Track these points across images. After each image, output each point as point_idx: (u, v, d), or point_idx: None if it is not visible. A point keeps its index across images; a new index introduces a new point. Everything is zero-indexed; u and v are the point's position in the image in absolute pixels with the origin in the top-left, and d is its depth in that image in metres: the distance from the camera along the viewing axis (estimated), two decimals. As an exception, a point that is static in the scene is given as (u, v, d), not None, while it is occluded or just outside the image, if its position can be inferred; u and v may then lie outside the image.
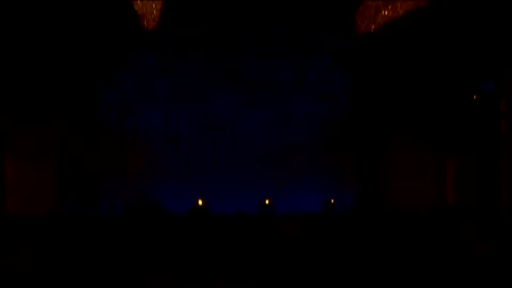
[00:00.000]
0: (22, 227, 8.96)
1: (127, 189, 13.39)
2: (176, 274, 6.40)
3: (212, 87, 13.74)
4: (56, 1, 10.63)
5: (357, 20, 11.36)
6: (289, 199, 13.09)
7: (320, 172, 13.80)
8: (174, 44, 13.22)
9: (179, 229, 9.10)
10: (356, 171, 13.83)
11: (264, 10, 11.36)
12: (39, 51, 12.13)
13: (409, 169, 13.10)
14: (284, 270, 6.90)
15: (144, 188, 12.62)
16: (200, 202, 12.16)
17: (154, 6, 10.91)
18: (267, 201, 12.61)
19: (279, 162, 13.74)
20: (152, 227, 8.86)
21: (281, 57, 13.65)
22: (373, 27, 11.25)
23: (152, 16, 11.03)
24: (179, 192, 13.04)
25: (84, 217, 11.11)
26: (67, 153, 12.89)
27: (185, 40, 13.03)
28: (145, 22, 11.10)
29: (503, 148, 12.00)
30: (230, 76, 13.75)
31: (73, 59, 12.62)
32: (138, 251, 7.52)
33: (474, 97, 12.74)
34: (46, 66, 12.43)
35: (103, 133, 13.41)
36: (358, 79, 13.78)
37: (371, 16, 11.17)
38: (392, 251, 7.59)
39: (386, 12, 11.05)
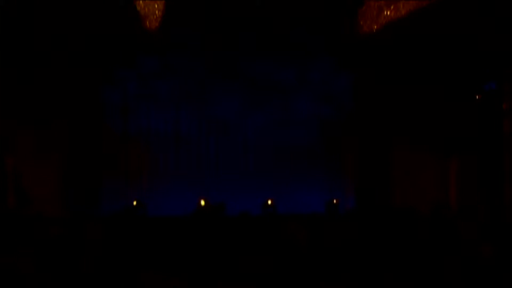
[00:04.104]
0: (23, 226, 8.97)
1: (129, 190, 13.39)
2: (177, 274, 6.41)
3: (214, 88, 13.74)
4: (58, 1, 10.64)
5: (359, 20, 11.36)
6: (291, 199, 13.09)
7: (322, 172, 13.79)
8: (176, 45, 13.23)
9: (181, 230, 9.10)
10: (358, 171, 13.82)
11: (265, 10, 11.36)
12: (41, 51, 12.14)
13: (411, 169, 13.09)
14: (286, 270, 6.90)
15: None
16: (202, 203, 12.14)
17: (156, 6, 10.94)
18: (269, 202, 12.60)
19: (281, 162, 13.73)
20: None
21: (282, 57, 13.64)
22: (375, 27, 11.25)
23: (155, 17, 11.06)
24: (181, 192, 13.06)
25: (85, 217, 11.13)
26: (69, 153, 12.90)
27: (187, 40, 13.04)
28: (147, 23, 11.13)
29: (505, 148, 11.99)
30: (232, 77, 13.75)
31: (75, 59, 12.63)
32: (138, 251, 7.53)
33: (477, 97, 12.72)
34: (48, 66, 12.44)
35: (105, 133, 13.42)
36: (360, 79, 13.77)
37: (373, 17, 11.17)
38: (394, 250, 7.59)
39: (388, 12, 11.05)
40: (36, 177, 12.48)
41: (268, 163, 13.70)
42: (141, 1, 10.90)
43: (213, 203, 11.57)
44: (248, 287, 6.38)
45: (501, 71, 12.10)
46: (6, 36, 11.29)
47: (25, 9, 10.62)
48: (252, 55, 13.56)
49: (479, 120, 12.68)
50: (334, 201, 12.94)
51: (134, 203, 12.56)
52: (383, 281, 6.66)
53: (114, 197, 13.15)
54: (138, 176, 13.54)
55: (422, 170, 13.11)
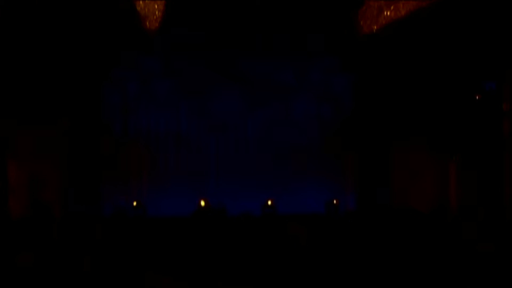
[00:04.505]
0: (24, 227, 8.98)
1: (129, 190, 13.38)
2: (178, 275, 6.41)
3: (215, 87, 13.76)
4: (58, 1, 10.64)
5: (360, 20, 11.36)
6: (291, 200, 13.10)
7: (322, 172, 13.79)
8: (177, 45, 13.24)
9: (181, 230, 9.11)
10: (359, 172, 13.82)
11: (265, 10, 11.36)
12: (41, 51, 12.14)
13: (411, 169, 13.09)
14: (286, 270, 6.90)
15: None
16: (202, 203, 12.15)
17: (156, 7, 10.94)
18: (269, 202, 12.60)
19: (281, 162, 13.74)
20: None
21: (282, 58, 13.65)
22: (375, 27, 11.26)
23: (155, 17, 11.06)
24: (181, 193, 13.07)
25: (85, 217, 11.15)
26: (69, 153, 12.89)
27: (187, 40, 13.04)
28: (147, 23, 11.13)
29: (505, 148, 12.00)
30: (232, 77, 13.77)
31: (76, 59, 12.62)
32: (138, 251, 7.54)
33: (477, 97, 12.72)
34: (49, 66, 12.44)
35: (105, 134, 13.42)
36: (360, 79, 13.78)
37: (373, 17, 11.18)
38: (394, 251, 7.59)
39: (388, 13, 11.06)
40: (36, 178, 12.49)
41: (268, 163, 13.71)
42: (141, 2, 10.89)
43: (214, 206, 11.60)
44: (248, 287, 6.38)
45: (501, 72, 12.11)
46: (6, 36, 11.29)
47: (25, 9, 10.61)
48: (252, 55, 13.58)
49: (479, 120, 12.68)
50: (334, 201, 12.93)
51: (134, 203, 12.56)
52: (384, 281, 6.66)
53: (114, 197, 13.17)
54: (138, 176, 13.54)
55: (422, 170, 13.11)
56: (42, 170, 12.56)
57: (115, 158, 13.46)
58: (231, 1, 11.23)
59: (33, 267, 6.32)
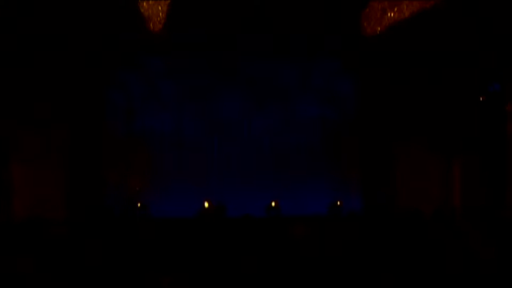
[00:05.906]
0: (28, 228, 9.01)
1: (132, 191, 13.40)
2: (181, 276, 6.42)
3: (218, 89, 13.77)
4: (61, 2, 10.67)
5: (363, 22, 11.37)
6: (295, 201, 13.09)
7: (326, 174, 13.80)
8: (180, 46, 13.25)
9: (184, 231, 9.12)
10: (362, 173, 13.81)
11: (268, 11, 11.38)
12: (44, 52, 12.17)
13: (415, 170, 13.08)
14: (290, 271, 6.90)
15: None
16: (206, 205, 12.17)
17: (160, 8, 10.96)
18: (273, 203, 12.58)
19: (285, 164, 13.75)
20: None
21: (286, 59, 13.66)
22: (378, 29, 11.26)
23: (158, 18, 11.08)
24: (184, 193, 13.08)
25: (88, 219, 11.17)
26: (72, 155, 12.90)
27: (190, 42, 13.06)
28: (151, 24, 11.15)
29: (508, 149, 12.00)
30: (235, 78, 13.79)
31: (79, 60, 12.65)
32: (141, 252, 7.56)
33: (480, 98, 12.72)
34: (52, 68, 12.47)
35: (109, 135, 13.44)
36: (363, 81, 13.77)
37: (376, 18, 11.18)
38: (398, 252, 7.59)
39: (392, 14, 11.06)
40: (42, 179, 12.51)
41: (272, 165, 13.73)
42: (144, 3, 10.91)
43: (214, 203, 11.65)
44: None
45: (505, 72, 12.11)
46: (9, 36, 11.32)
47: (28, 9, 10.65)
48: (255, 56, 13.59)
49: (482, 121, 12.68)
50: (338, 202, 12.91)
51: (138, 204, 12.57)
52: (385, 282, 6.67)
53: (117, 198, 13.19)
54: (142, 177, 13.56)
55: (426, 171, 13.10)
56: (45, 171, 12.58)
57: (118, 159, 13.48)
58: (234, 2, 11.25)
59: (36, 267, 6.35)
